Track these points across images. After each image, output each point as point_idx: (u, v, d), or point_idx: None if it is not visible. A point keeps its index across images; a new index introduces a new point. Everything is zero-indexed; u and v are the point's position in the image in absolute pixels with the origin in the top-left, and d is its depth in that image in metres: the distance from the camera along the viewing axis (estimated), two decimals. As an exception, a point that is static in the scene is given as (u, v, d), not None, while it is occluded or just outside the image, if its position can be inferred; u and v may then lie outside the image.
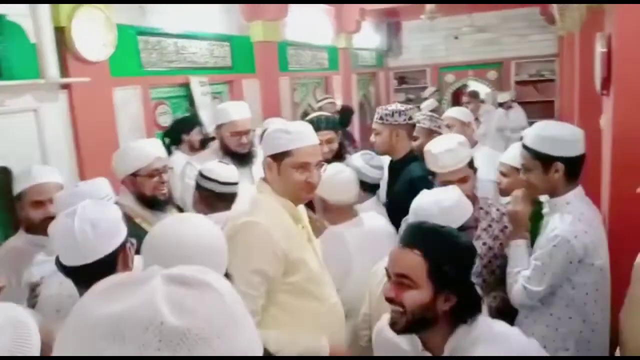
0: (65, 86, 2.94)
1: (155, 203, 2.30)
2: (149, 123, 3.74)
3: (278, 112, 5.03)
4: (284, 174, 1.74)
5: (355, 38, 7.44)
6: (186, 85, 4.13)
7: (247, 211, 1.76)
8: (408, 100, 8.84)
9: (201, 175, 2.42)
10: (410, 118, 2.77)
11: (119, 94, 3.42)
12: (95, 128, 3.09)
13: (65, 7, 2.91)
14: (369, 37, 8.18)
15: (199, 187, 2.42)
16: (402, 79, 9.60)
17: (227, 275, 1.23)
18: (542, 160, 1.90)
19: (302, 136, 1.73)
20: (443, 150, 2.20)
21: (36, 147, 2.68)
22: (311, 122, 2.98)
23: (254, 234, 1.67)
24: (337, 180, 2.24)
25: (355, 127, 7.38)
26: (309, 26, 6.20)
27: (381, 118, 2.75)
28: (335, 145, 2.86)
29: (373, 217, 2.38)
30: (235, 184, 2.44)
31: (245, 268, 1.61)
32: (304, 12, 5.98)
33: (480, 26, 8.39)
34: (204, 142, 3.84)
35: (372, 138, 2.82)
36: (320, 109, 6.09)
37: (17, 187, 2.11)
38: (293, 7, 5.28)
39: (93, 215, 1.39)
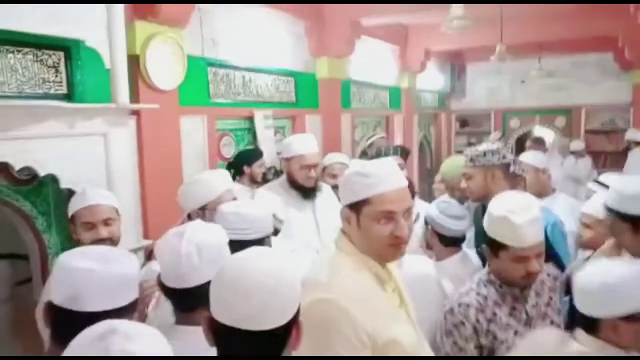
0: (135, 112, 2.98)
1: None
2: (212, 153, 3.74)
3: (338, 149, 4.96)
4: (365, 227, 1.41)
5: (419, 78, 7.37)
6: (250, 118, 4.13)
7: (323, 277, 1.42)
8: (469, 144, 8.61)
9: None
10: (504, 157, 2.47)
11: (186, 123, 3.44)
12: (160, 155, 3.10)
13: (140, 36, 2.98)
14: (432, 78, 8.08)
15: None
16: (464, 122, 9.39)
17: (294, 320, 1.09)
18: (629, 221, 1.72)
19: (383, 179, 1.40)
20: (528, 221, 1.70)
21: (102, 171, 2.69)
22: (378, 152, 2.90)
23: (332, 318, 1.31)
24: None
25: (414, 169, 7.22)
26: (373, 65, 6.19)
27: (472, 160, 2.48)
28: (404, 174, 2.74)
29: (416, 260, 2.16)
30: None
31: None
32: (369, 51, 5.98)
33: (549, 71, 8.12)
34: (265, 175, 3.80)
35: (463, 184, 2.61)
36: (371, 145, 6.04)
37: (70, 209, 2.07)
38: (359, 45, 5.28)
39: (201, 240, 1.38)
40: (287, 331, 1.05)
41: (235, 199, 2.39)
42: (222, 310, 1.04)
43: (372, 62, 6.18)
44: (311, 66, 4.96)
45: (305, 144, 2.97)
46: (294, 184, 2.94)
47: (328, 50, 4.98)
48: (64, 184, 2.52)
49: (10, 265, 2.95)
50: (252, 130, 4.16)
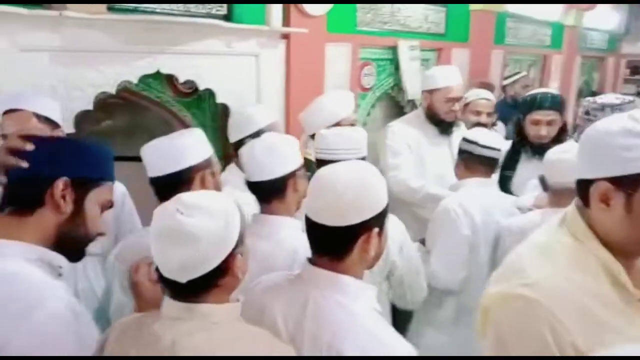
0: (285, 36, 3.10)
1: None
2: (353, 83, 3.78)
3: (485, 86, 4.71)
4: (637, 212, 1.02)
5: (587, 15, 6.57)
6: (394, 48, 4.06)
7: (530, 267, 1.11)
8: (638, 94, 7.63)
9: (463, 139, 2.30)
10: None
11: (331, 50, 3.49)
12: (305, 79, 3.22)
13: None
14: (603, 16, 7.16)
15: (460, 151, 2.29)
16: (635, 69, 8.30)
17: (364, 228, 1.18)
18: None
19: None
20: None
21: (253, 90, 2.89)
22: (533, 99, 2.70)
23: (531, 321, 1.04)
24: (557, 159, 2.03)
25: (569, 117, 6.63)
26: (535, -2, 5.64)
27: (587, 113, 2.35)
28: (555, 130, 2.54)
29: None
30: (497, 149, 2.23)
31: None
32: (532, -18, 5.45)
33: None
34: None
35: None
36: (513, 83, 5.56)
37: (249, 129, 2.19)
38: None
39: (271, 142, 1.62)
40: (352, 234, 1.17)
41: (354, 124, 2.41)
42: (307, 202, 1.24)
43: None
44: (465, -4, 4.68)
45: (451, 76, 2.87)
46: (433, 118, 2.87)
47: (486, -21, 4.64)
48: (219, 99, 2.76)
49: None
50: (394, 61, 4.10)
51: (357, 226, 1.16)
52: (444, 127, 2.83)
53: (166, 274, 1.08)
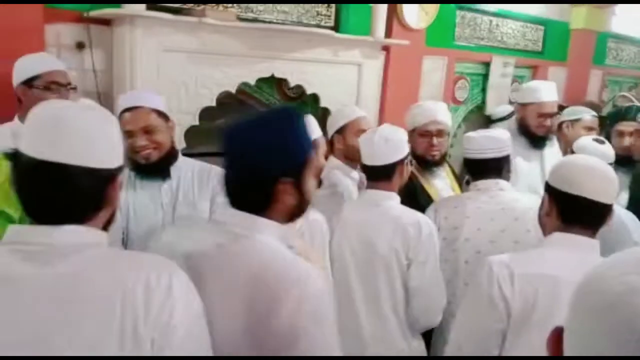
0: (385, 48, 3.27)
1: (425, 162, 2.37)
2: (447, 96, 3.87)
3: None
4: None
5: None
6: (487, 64, 4.12)
7: None
8: None
9: (571, 150, 2.35)
10: None
11: (428, 63, 3.62)
12: (400, 89, 3.37)
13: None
14: None
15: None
16: None
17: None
18: None
19: None
20: None
21: (353, 97, 3.07)
22: (618, 110, 2.70)
23: None
24: None
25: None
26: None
27: None
28: None
29: None
30: (609, 164, 2.33)
31: None
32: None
33: None
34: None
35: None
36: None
37: (340, 122, 2.39)
38: (628, -6, 4.71)
39: (387, 133, 1.88)
40: (610, 211, 1.42)
41: (443, 131, 2.45)
42: (569, 183, 1.41)
43: (640, 14, 5.44)
44: (566, 14, 4.62)
45: (545, 91, 2.89)
46: (525, 131, 2.89)
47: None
48: (322, 104, 2.97)
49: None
50: (487, 76, 4.15)
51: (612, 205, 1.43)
52: (536, 141, 2.84)
53: None
